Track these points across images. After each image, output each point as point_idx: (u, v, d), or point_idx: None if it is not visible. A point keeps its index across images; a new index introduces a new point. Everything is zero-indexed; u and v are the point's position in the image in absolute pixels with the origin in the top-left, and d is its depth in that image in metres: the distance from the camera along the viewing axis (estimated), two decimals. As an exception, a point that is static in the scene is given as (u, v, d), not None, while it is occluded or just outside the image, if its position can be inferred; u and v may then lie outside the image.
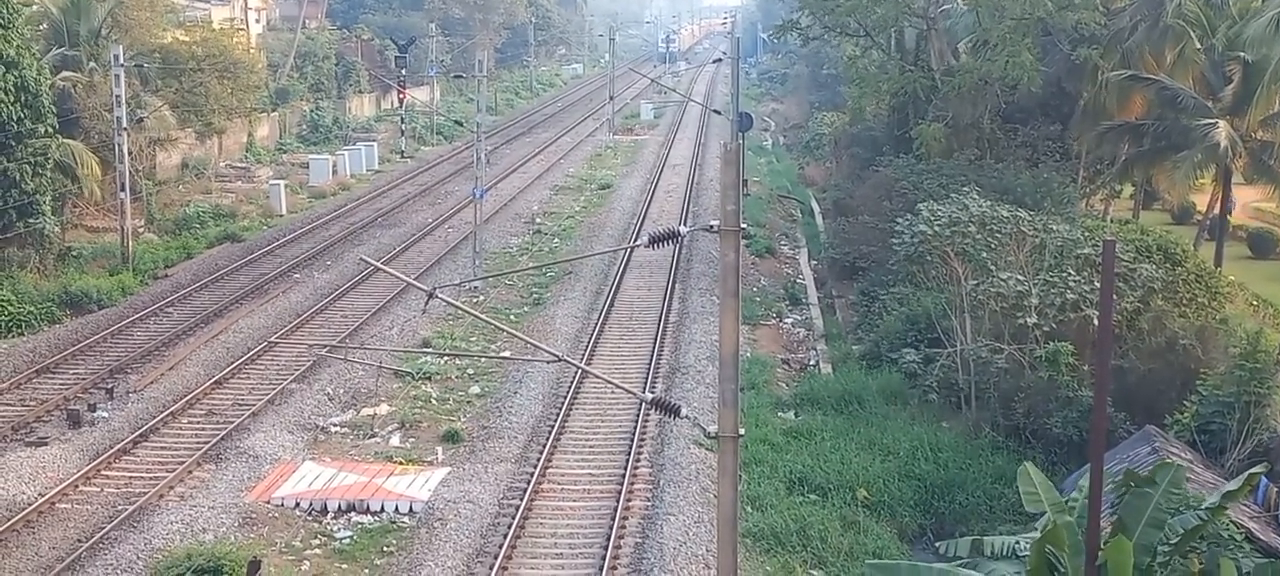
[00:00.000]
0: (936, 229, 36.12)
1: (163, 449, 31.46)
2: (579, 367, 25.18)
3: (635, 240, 54.20)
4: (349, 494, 28.77)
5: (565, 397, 35.03)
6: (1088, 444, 24.53)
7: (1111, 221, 49.69)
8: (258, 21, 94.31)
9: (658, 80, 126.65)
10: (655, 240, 15.77)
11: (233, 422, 32.75)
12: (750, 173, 75.82)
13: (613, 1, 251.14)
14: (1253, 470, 19.98)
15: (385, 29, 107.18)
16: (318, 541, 26.91)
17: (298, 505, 28.40)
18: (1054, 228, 36.08)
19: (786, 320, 46.64)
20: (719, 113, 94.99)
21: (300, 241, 56.03)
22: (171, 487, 28.80)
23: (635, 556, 26.04)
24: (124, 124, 48.55)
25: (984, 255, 34.79)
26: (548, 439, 32.04)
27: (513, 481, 29.85)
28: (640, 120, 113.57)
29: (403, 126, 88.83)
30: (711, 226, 14.99)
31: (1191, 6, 47.86)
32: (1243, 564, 19.00)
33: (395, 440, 32.97)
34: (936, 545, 24.26)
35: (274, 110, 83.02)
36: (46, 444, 31.50)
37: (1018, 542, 19.43)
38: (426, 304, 19.48)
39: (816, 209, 69.55)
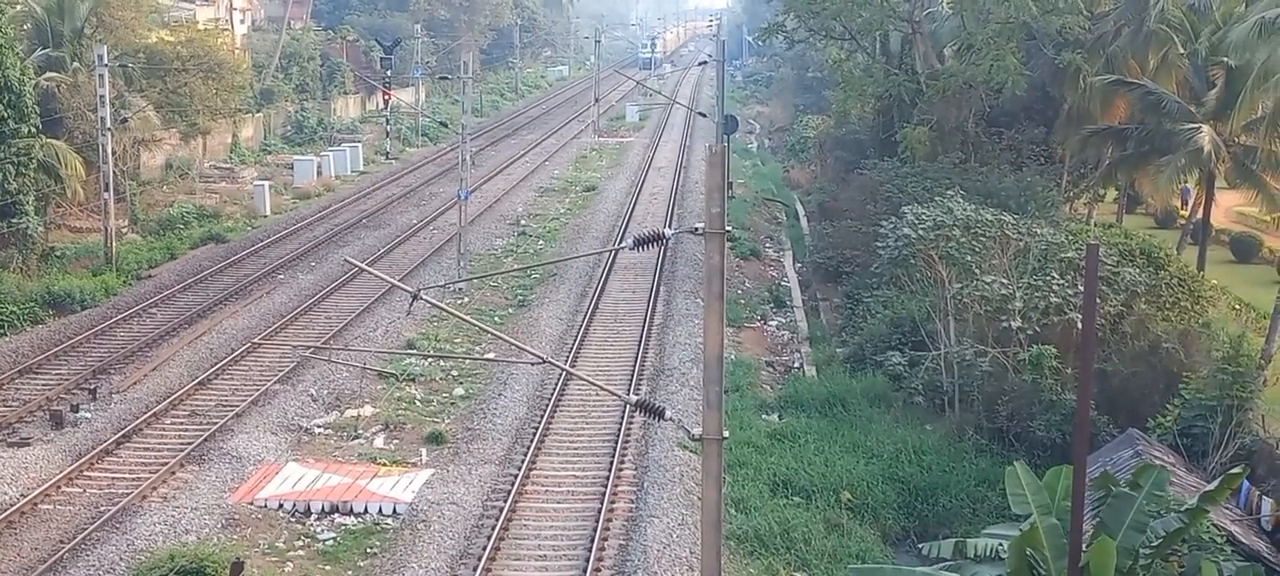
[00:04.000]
0: (921, 232, 36.20)
1: (146, 450, 31.37)
2: (563, 370, 25.21)
3: (620, 242, 54.21)
4: (333, 495, 28.74)
5: (549, 400, 35.01)
6: (1071, 446, 24.59)
7: (1095, 225, 49.86)
8: (242, 22, 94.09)
9: (643, 83, 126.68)
10: (640, 242, 15.80)
11: (216, 424, 32.68)
12: (735, 175, 75.85)
13: (598, 3, 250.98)
14: (1233, 472, 20.04)
15: (370, 30, 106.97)
16: (301, 543, 26.87)
17: (281, 506, 28.35)
18: (1038, 231, 36.20)
19: (771, 323, 46.70)
20: (704, 115, 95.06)
21: (284, 242, 55.91)
22: (154, 488, 28.73)
23: (619, 558, 26.06)
24: (108, 124, 48.42)
25: (968, 258, 34.88)
26: (532, 441, 32.03)
27: (497, 483, 29.85)
28: (625, 122, 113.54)
29: (388, 128, 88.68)
30: (696, 229, 15.01)
31: (1175, 11, 48.01)
32: (1224, 567, 19.08)
33: (379, 441, 32.94)
34: (919, 547, 24.31)
35: (259, 111, 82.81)
36: (29, 444, 31.40)
37: (1001, 544, 19.47)
38: (411, 305, 19.47)
39: (801, 212, 69.64)
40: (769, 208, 71.72)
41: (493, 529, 26.92)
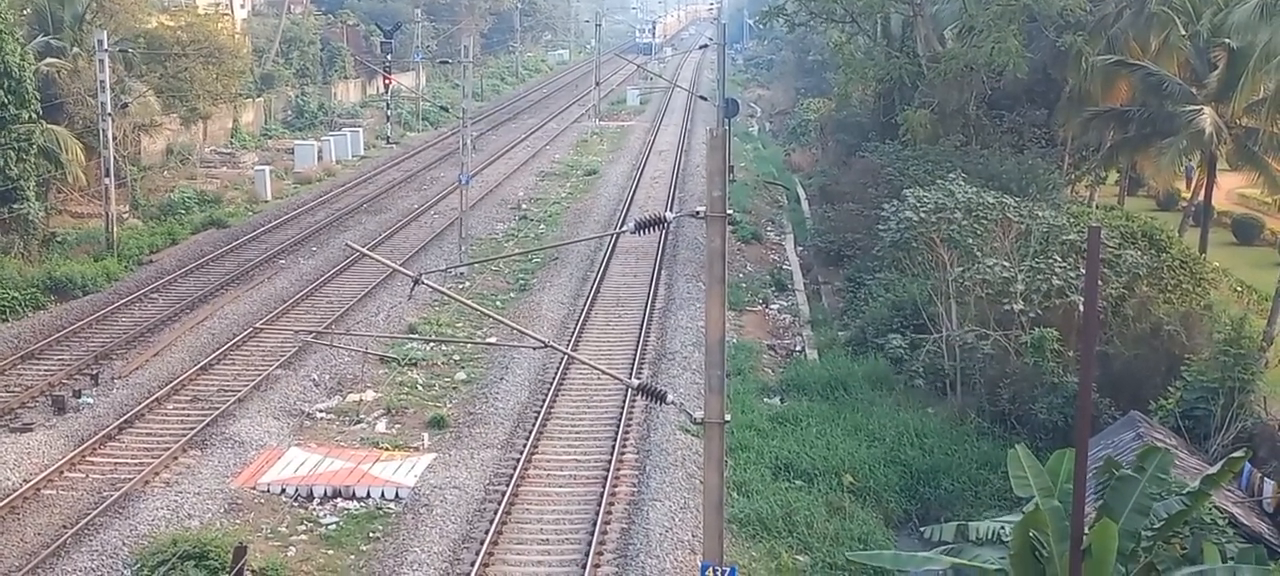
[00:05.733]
0: (922, 215, 36.17)
1: (148, 435, 31.40)
2: (565, 354, 25.21)
3: (621, 226, 54.18)
4: (335, 480, 28.77)
5: (551, 383, 35.03)
6: (1073, 429, 24.58)
7: (1097, 208, 49.78)
8: (243, 6, 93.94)
9: (644, 66, 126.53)
10: (641, 226, 15.81)
11: (218, 409, 32.70)
12: (736, 159, 75.80)
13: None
14: (1235, 455, 20.04)
15: (371, 14, 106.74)
16: (303, 527, 26.91)
17: (283, 491, 28.39)
18: (1039, 214, 36.16)
19: (772, 306, 46.70)
20: (705, 98, 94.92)
21: (285, 227, 55.90)
22: (157, 474, 28.75)
23: (621, 542, 26.09)
24: (108, 109, 48.39)
25: (970, 241, 34.85)
26: (534, 425, 32.06)
27: (499, 467, 29.88)
28: (626, 106, 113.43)
29: (388, 112, 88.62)
30: (697, 212, 15.01)
31: (1176, -8, 47.94)
32: (1226, 548, 19.10)
33: (381, 426, 32.97)
34: (921, 530, 24.33)
35: (259, 96, 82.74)
36: (31, 430, 31.42)
37: (1002, 527, 19.49)
38: (412, 290, 19.49)
39: (803, 195, 69.58)
40: (770, 191, 71.66)
41: (495, 513, 26.94)
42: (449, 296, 20.72)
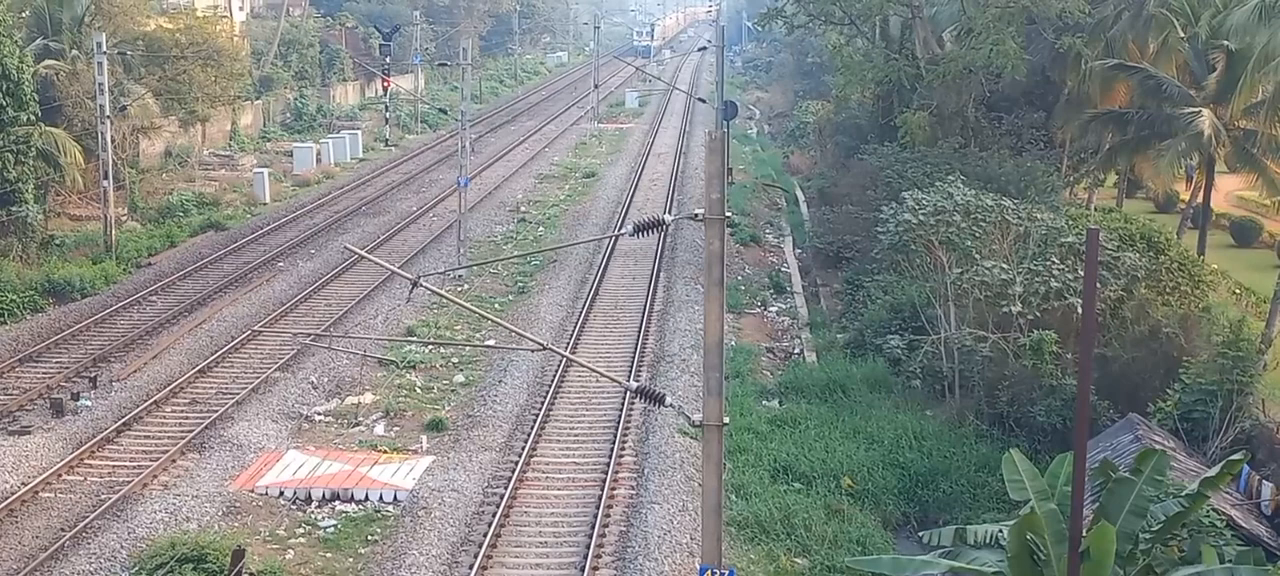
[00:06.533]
0: (921, 217, 36.15)
1: (146, 438, 31.40)
2: (564, 356, 25.20)
3: (620, 228, 54.17)
4: (333, 483, 28.77)
5: (550, 386, 35.03)
6: (1071, 432, 24.57)
7: (1095, 210, 49.77)
8: (241, 9, 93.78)
9: (642, 69, 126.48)
10: (640, 228, 15.81)
11: (217, 411, 32.70)
12: (735, 161, 75.79)
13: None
14: (1233, 458, 20.03)
15: (369, 17, 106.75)
16: (302, 530, 26.90)
17: (282, 494, 28.39)
18: (1038, 216, 36.15)
19: (771, 309, 46.69)
20: (704, 101, 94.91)
21: (284, 230, 55.88)
22: (155, 476, 28.75)
23: (620, 545, 26.09)
24: (107, 112, 48.39)
25: (968, 244, 34.85)
26: (532, 427, 32.06)
27: (497, 470, 29.87)
28: (625, 108, 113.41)
29: (387, 115, 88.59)
30: (696, 215, 15.01)
31: (1174, -6, 47.92)
32: (1224, 551, 19.09)
33: (380, 429, 32.96)
34: (920, 534, 24.30)
35: (258, 98, 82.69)
36: (30, 433, 31.42)
37: (1001, 531, 19.48)
38: (411, 292, 19.48)
39: (801, 197, 69.60)
40: (769, 193, 71.66)
41: (493, 516, 26.94)
42: (447, 299, 20.70)
